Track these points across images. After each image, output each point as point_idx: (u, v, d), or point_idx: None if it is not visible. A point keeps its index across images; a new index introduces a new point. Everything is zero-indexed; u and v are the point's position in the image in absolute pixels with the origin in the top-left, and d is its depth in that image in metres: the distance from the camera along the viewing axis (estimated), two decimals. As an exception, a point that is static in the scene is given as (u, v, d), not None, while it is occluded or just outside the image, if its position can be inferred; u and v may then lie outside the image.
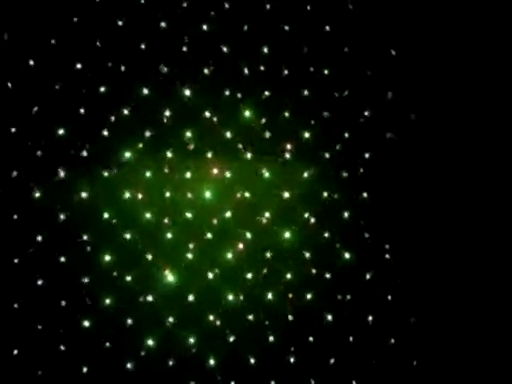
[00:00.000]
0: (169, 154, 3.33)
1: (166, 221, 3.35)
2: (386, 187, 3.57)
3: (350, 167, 3.53)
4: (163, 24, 3.31)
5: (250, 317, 3.41)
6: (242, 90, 3.40)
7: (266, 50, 3.40)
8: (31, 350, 3.26)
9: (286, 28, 3.44)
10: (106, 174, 3.29)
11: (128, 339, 3.32)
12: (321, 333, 3.47)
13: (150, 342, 3.30)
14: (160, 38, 3.33)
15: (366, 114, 3.51)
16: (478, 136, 3.66)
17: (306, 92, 3.45)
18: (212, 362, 3.35)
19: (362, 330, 3.50)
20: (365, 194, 3.53)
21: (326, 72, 3.47)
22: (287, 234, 3.42)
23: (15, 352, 3.24)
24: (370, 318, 3.51)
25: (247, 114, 3.37)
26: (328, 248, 3.50)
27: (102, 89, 3.28)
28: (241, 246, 3.42)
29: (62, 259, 3.27)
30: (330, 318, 3.47)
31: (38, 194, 3.24)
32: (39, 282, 3.27)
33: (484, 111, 3.67)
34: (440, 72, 3.64)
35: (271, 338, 3.42)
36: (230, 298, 3.38)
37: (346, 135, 3.51)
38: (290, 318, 3.44)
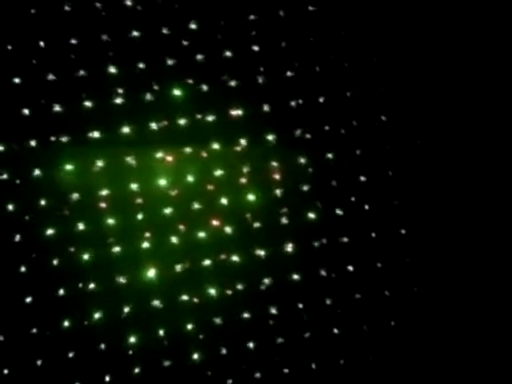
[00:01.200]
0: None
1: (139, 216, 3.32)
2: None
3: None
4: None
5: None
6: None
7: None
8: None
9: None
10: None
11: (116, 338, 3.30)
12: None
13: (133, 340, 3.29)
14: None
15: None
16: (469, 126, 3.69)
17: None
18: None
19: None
20: (329, 155, 3.53)
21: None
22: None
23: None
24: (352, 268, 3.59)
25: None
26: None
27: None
28: (216, 222, 3.40)
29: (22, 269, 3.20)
30: (296, 277, 3.52)
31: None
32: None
33: (483, 110, 3.70)
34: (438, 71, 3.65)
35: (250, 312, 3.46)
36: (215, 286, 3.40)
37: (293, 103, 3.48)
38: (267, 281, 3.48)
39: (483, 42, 3.67)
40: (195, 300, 3.40)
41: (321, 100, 3.51)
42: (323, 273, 3.56)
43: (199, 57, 3.33)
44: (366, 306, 3.63)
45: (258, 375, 3.47)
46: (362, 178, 3.59)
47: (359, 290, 3.61)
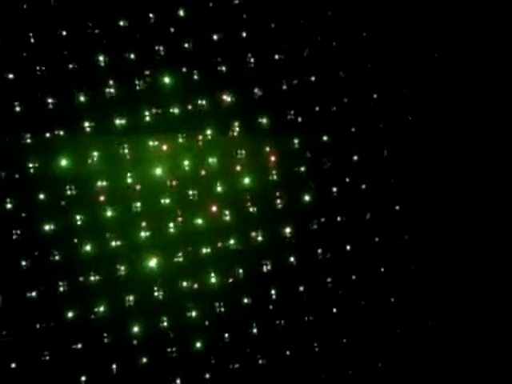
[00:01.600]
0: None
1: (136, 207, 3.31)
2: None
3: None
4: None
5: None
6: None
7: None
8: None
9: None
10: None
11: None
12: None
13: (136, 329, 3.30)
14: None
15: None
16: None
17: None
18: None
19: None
20: (325, 138, 3.56)
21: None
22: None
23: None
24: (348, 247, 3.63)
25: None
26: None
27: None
28: (214, 208, 3.40)
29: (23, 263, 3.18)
30: (294, 260, 3.56)
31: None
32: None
33: (482, 109, 3.76)
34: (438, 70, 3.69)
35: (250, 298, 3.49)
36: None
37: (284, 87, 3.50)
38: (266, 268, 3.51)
39: (468, 21, 3.74)
40: (196, 286, 3.41)
41: (312, 79, 3.52)
42: (321, 254, 3.60)
43: (189, 43, 3.30)
44: (365, 284, 3.68)
45: (261, 359, 3.51)
46: (355, 158, 3.62)
47: (357, 269, 3.66)
